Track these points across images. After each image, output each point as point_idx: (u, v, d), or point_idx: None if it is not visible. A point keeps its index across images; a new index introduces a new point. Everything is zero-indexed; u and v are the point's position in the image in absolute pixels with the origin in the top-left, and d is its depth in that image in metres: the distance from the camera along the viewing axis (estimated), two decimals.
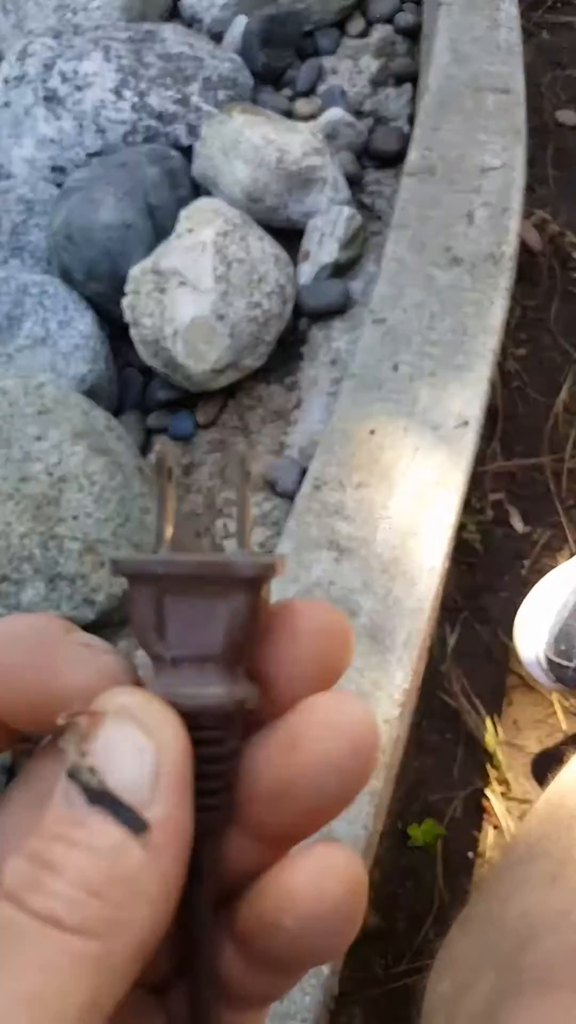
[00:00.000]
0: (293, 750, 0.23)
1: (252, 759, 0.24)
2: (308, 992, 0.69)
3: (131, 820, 0.20)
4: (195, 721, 0.23)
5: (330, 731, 0.23)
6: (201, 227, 1.25)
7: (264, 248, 1.29)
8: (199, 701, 0.23)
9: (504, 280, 1.18)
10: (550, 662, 1.04)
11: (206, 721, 0.23)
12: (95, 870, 0.20)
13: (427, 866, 1.01)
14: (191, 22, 1.94)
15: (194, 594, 0.24)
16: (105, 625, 1.08)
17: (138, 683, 0.25)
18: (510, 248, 1.22)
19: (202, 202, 1.30)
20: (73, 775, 0.21)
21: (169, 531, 0.25)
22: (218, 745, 0.23)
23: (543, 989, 0.49)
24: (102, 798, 0.21)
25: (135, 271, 1.24)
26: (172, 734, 0.22)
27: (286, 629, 0.24)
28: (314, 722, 0.23)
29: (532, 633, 1.07)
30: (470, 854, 1.03)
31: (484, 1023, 0.51)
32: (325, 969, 0.70)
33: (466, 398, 1.06)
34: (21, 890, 0.20)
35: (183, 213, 1.28)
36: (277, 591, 0.93)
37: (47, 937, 0.19)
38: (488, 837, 1.04)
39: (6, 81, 1.66)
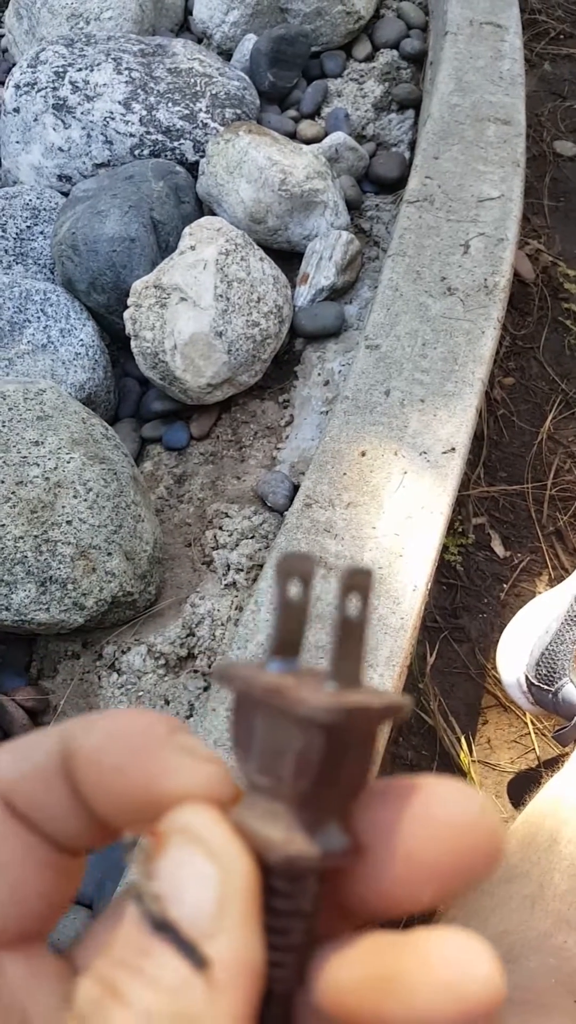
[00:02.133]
0: (424, 847, 0.21)
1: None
2: None
3: (192, 954, 0.19)
4: (263, 863, 0.21)
5: (460, 843, 0.21)
6: (204, 245, 1.28)
7: (264, 269, 1.32)
8: (262, 847, 0.21)
9: (496, 310, 1.21)
10: (531, 685, 1.07)
11: (272, 868, 0.21)
12: (158, 1005, 0.19)
13: None
14: (201, 38, 1.97)
15: (274, 722, 0.22)
16: (93, 629, 1.11)
17: (236, 798, 0.23)
18: (504, 279, 1.26)
19: (205, 220, 1.33)
20: (138, 899, 0.20)
21: (282, 640, 0.23)
22: (285, 898, 0.21)
23: (527, 1010, 0.52)
24: (165, 927, 0.20)
25: (138, 285, 1.27)
26: (238, 862, 0.20)
27: (407, 804, 0.22)
28: (449, 827, 0.21)
29: (514, 656, 1.10)
30: None
31: None
32: None
33: (454, 425, 1.09)
34: (90, 1016, 0.19)
35: (187, 230, 1.31)
36: (267, 604, 0.95)
37: None
38: None
39: (17, 87, 1.68)
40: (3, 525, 1.01)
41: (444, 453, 1.07)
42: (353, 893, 0.22)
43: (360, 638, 0.23)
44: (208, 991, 0.19)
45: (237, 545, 1.19)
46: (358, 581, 0.23)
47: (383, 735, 0.20)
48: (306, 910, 0.21)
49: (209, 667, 1.08)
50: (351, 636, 0.22)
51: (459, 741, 1.12)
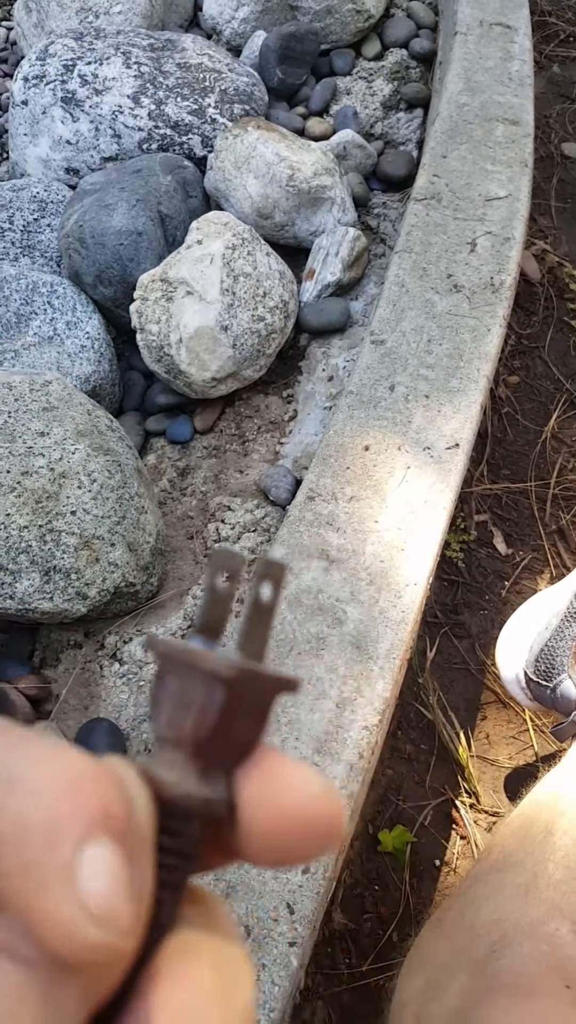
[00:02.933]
0: (280, 821, 0.24)
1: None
2: (277, 983, 0.72)
3: None
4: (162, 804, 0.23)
5: (305, 823, 0.23)
6: (211, 239, 1.28)
7: (270, 264, 1.32)
8: (156, 783, 0.23)
9: (502, 308, 1.22)
10: (529, 681, 1.07)
11: (165, 804, 0.23)
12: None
13: (395, 870, 1.04)
14: (210, 34, 1.98)
15: (183, 680, 0.24)
16: (95, 619, 1.11)
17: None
18: (510, 277, 1.26)
19: (213, 215, 1.33)
20: None
21: (205, 622, 0.26)
22: (172, 837, 0.23)
23: (519, 993, 0.53)
24: None
25: (144, 278, 1.27)
26: (138, 793, 0.22)
27: (267, 784, 0.24)
28: (283, 818, 0.24)
29: (513, 652, 1.11)
30: (437, 861, 1.06)
31: (456, 1021, 0.54)
32: (294, 960, 0.73)
33: (458, 421, 1.10)
34: None
35: (194, 224, 1.32)
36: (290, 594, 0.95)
37: None
38: (455, 846, 1.07)
39: (25, 80, 1.69)
40: (8, 515, 1.01)
41: (448, 449, 1.07)
42: (229, 836, 0.24)
43: (268, 621, 0.26)
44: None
45: (239, 538, 1.19)
46: (273, 571, 0.26)
47: (274, 707, 0.23)
48: (187, 851, 0.24)
49: None
50: (261, 618, 0.26)
51: (458, 736, 1.13)
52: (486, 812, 1.10)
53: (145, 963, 0.22)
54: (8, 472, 1.03)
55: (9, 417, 1.06)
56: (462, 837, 1.08)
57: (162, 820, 0.23)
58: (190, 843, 0.24)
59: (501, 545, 1.31)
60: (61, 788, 0.19)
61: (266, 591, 0.26)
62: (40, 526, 1.03)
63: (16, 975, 0.19)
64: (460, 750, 1.11)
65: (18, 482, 1.03)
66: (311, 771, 0.24)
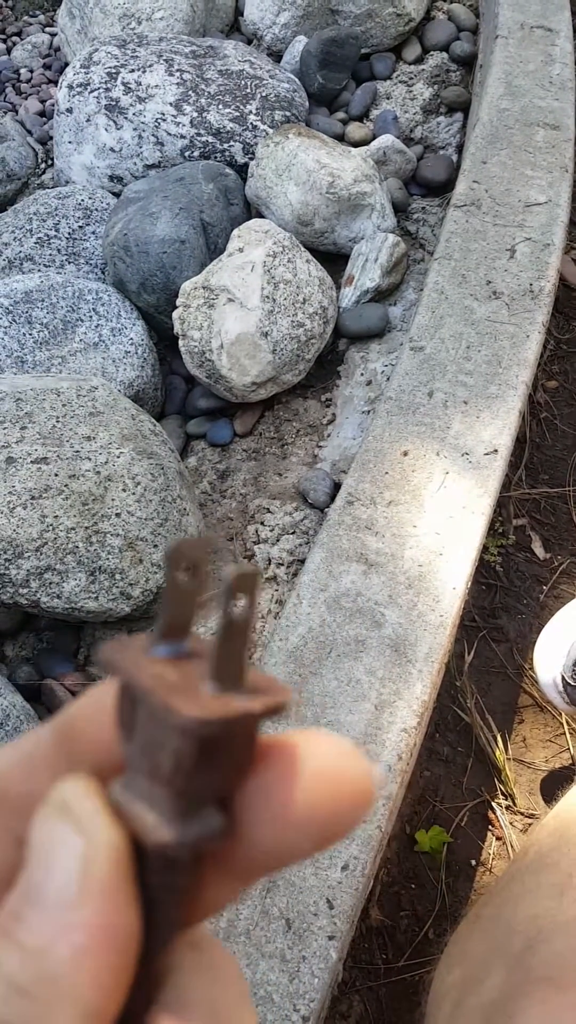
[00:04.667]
0: (295, 800, 0.22)
1: (251, 797, 0.23)
2: (317, 975, 0.74)
3: (60, 920, 0.20)
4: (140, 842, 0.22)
5: (331, 794, 0.22)
6: (252, 247, 1.30)
7: (310, 271, 1.34)
8: (137, 831, 0.22)
9: (541, 315, 1.23)
10: (567, 685, 1.08)
11: (149, 852, 0.22)
12: (22, 969, 0.20)
13: (431, 870, 1.06)
14: (251, 39, 2.00)
15: (152, 719, 0.22)
16: (140, 618, 1.14)
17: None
18: (549, 284, 1.27)
19: (254, 222, 1.35)
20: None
21: (169, 624, 0.24)
22: (159, 874, 0.22)
23: (553, 987, 0.54)
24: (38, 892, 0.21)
25: (187, 286, 1.30)
26: (103, 835, 0.21)
27: (282, 768, 0.22)
28: (318, 780, 0.22)
29: (551, 656, 1.12)
30: (472, 862, 1.07)
31: (493, 1012, 0.56)
32: (333, 954, 0.75)
33: (497, 427, 1.11)
34: None
35: (235, 232, 1.34)
36: (308, 598, 0.95)
37: None
38: (491, 847, 1.09)
39: (70, 87, 1.72)
40: (56, 516, 1.04)
41: (486, 454, 1.08)
42: (238, 857, 0.23)
43: (243, 639, 0.23)
44: (72, 955, 0.20)
45: (278, 540, 1.21)
46: (244, 583, 0.23)
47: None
48: (180, 886, 0.22)
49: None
50: (235, 636, 0.23)
51: (495, 739, 1.14)
52: (522, 814, 1.11)
53: (139, 1000, 0.22)
54: (56, 475, 1.05)
55: (57, 422, 1.09)
56: (498, 838, 1.09)
57: (145, 860, 0.22)
58: (183, 877, 0.22)
59: (539, 549, 1.32)
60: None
61: (239, 606, 0.23)
62: (86, 528, 1.05)
63: None
64: (497, 753, 1.13)
65: (66, 485, 1.05)
66: (327, 735, 0.23)
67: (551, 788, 1.12)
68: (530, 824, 1.10)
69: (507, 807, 1.11)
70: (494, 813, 1.11)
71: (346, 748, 0.22)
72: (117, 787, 0.22)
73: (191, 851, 0.22)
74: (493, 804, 1.11)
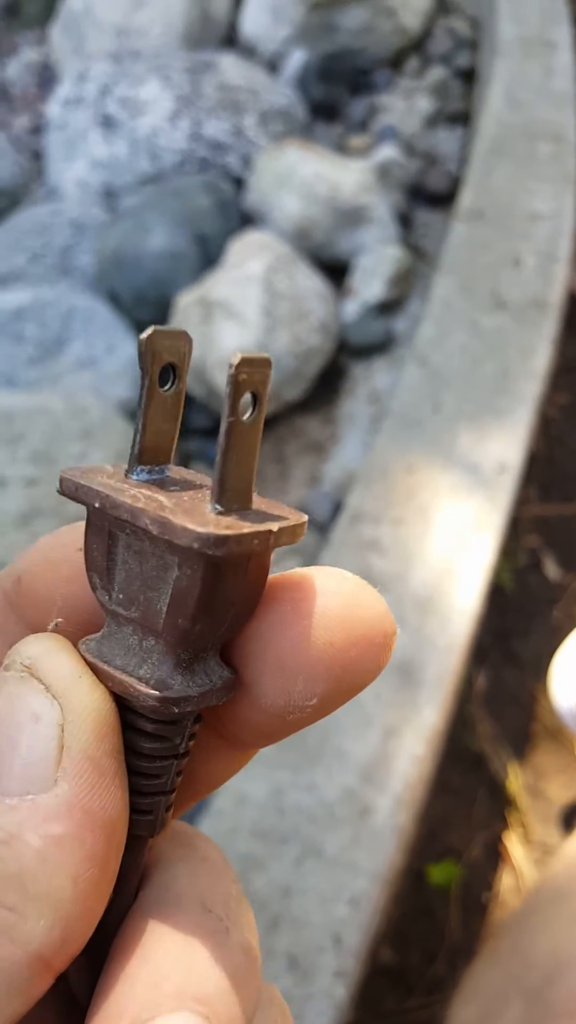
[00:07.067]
0: (307, 638, 0.18)
1: (261, 628, 0.19)
2: (323, 1012, 0.70)
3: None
4: (127, 703, 0.18)
5: (348, 630, 0.18)
6: (250, 260, 1.27)
7: (310, 284, 1.31)
8: (127, 688, 0.18)
9: (549, 327, 1.19)
10: None
11: (140, 710, 0.18)
12: None
13: (442, 905, 1.01)
14: (249, 52, 1.98)
15: (146, 545, 0.18)
16: None
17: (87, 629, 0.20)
18: (556, 295, 1.23)
19: (252, 235, 1.32)
20: None
21: (147, 443, 0.19)
22: (155, 740, 0.18)
23: (575, 1021, 0.52)
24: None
25: (183, 300, 1.27)
26: (86, 700, 0.17)
27: (292, 605, 0.19)
28: (332, 615, 0.18)
29: (569, 682, 1.07)
30: (485, 896, 1.03)
31: None
32: (342, 990, 0.71)
33: (506, 442, 1.07)
34: None
35: (233, 245, 1.31)
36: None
37: None
38: (504, 880, 1.04)
39: (64, 103, 1.70)
40: None
41: (495, 471, 1.05)
42: (239, 719, 0.19)
43: (252, 447, 0.18)
44: (43, 847, 0.16)
45: (279, 562, 1.17)
46: (254, 375, 0.17)
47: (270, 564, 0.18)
48: (179, 751, 0.19)
49: None
50: (241, 444, 0.18)
51: (507, 767, 1.10)
52: (536, 845, 1.06)
53: (123, 899, 0.18)
54: (48, 496, 1.02)
55: (49, 442, 1.05)
56: (511, 870, 1.05)
57: (137, 724, 0.18)
58: (182, 741, 0.19)
59: (552, 570, 1.28)
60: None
61: (246, 404, 0.18)
62: None
63: None
64: (510, 782, 1.08)
65: (58, 506, 1.02)
66: (338, 570, 0.19)
67: (567, 818, 1.08)
68: (545, 855, 1.05)
69: (521, 838, 1.06)
70: (507, 844, 1.06)
71: (361, 584, 0.19)
72: (91, 644, 0.18)
73: (196, 707, 0.18)
74: (506, 835, 1.07)
